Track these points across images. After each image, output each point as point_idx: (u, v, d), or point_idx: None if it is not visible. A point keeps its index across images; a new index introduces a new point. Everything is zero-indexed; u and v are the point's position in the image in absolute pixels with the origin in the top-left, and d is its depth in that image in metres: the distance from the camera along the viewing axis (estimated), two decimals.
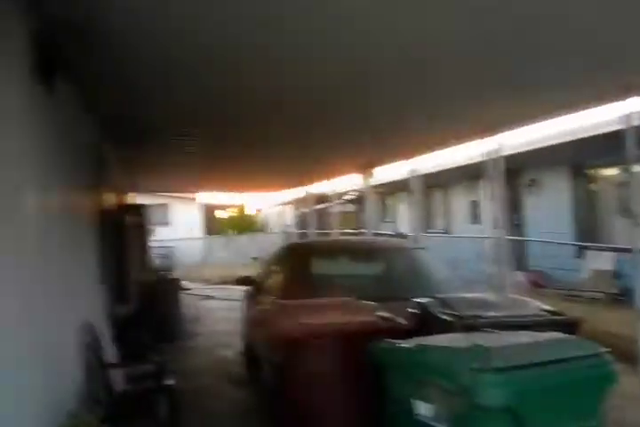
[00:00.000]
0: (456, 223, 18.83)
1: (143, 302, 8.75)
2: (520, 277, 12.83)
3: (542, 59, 4.99)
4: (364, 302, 5.17)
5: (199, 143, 9.43)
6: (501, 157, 8.17)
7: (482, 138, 8.35)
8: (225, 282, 18.41)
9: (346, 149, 10.58)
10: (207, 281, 19.86)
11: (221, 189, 23.05)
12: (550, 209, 14.31)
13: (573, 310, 6.34)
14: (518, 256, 13.62)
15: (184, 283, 12.16)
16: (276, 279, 7.19)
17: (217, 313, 12.95)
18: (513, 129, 8.14)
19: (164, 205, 23.49)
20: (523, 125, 8.12)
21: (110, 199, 8.91)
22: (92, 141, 6.46)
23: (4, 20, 2.99)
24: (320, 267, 6.99)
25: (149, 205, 12.73)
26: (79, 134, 5.56)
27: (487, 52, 4.79)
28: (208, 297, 15.74)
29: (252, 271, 9.90)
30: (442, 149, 10.26)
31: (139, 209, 10.47)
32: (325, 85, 5.83)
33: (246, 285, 8.36)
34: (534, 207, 15.03)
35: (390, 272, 6.98)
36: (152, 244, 15.53)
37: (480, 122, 7.76)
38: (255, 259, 23.55)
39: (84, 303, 5.48)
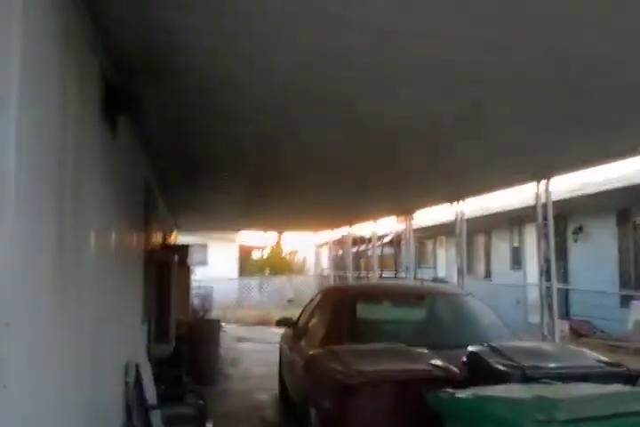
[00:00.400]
0: (497, 269, 18.54)
1: (182, 343, 8.69)
2: (562, 325, 12.47)
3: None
4: (415, 349, 5.05)
5: (240, 186, 9.52)
6: (550, 202, 8.05)
7: (529, 182, 8.25)
8: (260, 324, 18.26)
9: (387, 194, 10.55)
10: (242, 322, 19.73)
11: (260, 228, 23.16)
12: (595, 257, 14.00)
13: (622, 362, 6.11)
14: (560, 304, 13.27)
15: (222, 324, 12.08)
16: (318, 323, 7.07)
17: (252, 355, 12.79)
18: (561, 174, 8.04)
19: (203, 246, 23.62)
20: (572, 171, 8.01)
21: (155, 239, 8.96)
22: (142, 183, 6.55)
23: (86, 69, 3.07)
24: (365, 311, 6.86)
25: (191, 245, 12.79)
26: (133, 177, 5.65)
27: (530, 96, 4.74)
28: (244, 339, 15.61)
29: (288, 314, 9.78)
30: (487, 193, 10.18)
31: (182, 249, 10.52)
32: (376, 138, 6.04)
33: (287, 326, 8.26)
34: (579, 254, 14.73)
35: (437, 318, 6.82)
36: (192, 284, 15.54)
37: (527, 166, 7.67)
38: (291, 301, 23.41)
39: (128, 342, 5.45)
